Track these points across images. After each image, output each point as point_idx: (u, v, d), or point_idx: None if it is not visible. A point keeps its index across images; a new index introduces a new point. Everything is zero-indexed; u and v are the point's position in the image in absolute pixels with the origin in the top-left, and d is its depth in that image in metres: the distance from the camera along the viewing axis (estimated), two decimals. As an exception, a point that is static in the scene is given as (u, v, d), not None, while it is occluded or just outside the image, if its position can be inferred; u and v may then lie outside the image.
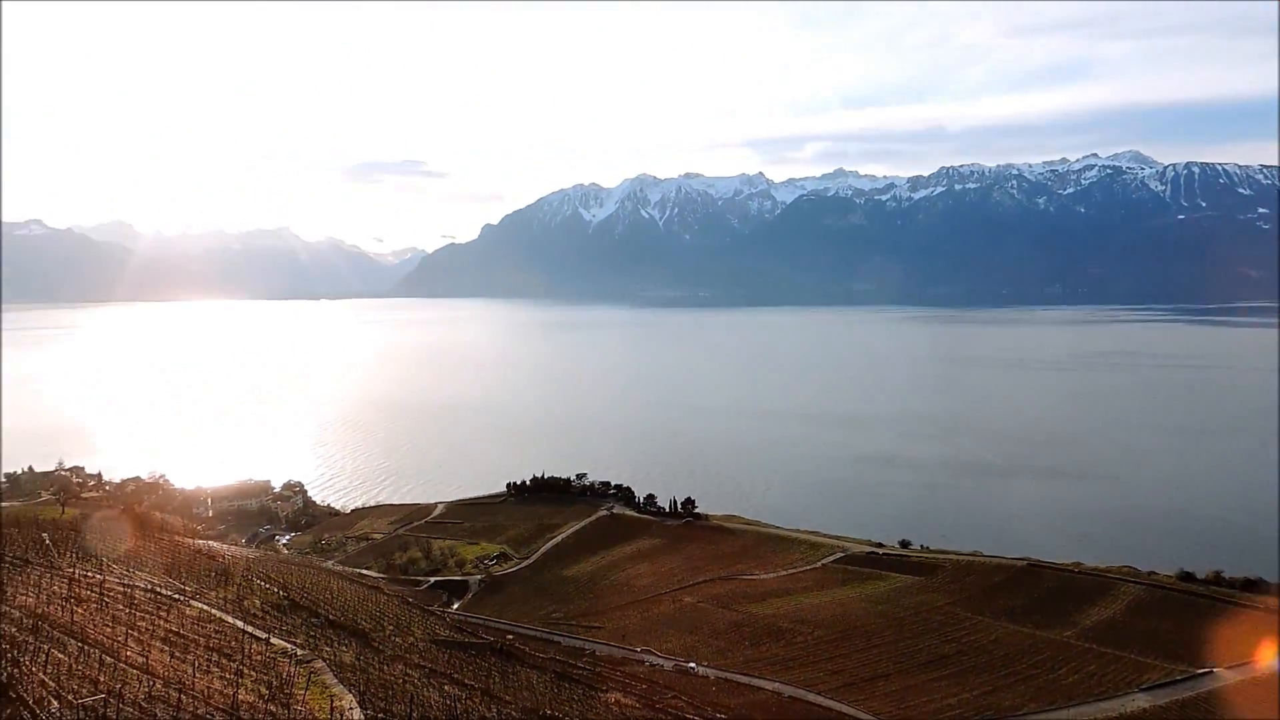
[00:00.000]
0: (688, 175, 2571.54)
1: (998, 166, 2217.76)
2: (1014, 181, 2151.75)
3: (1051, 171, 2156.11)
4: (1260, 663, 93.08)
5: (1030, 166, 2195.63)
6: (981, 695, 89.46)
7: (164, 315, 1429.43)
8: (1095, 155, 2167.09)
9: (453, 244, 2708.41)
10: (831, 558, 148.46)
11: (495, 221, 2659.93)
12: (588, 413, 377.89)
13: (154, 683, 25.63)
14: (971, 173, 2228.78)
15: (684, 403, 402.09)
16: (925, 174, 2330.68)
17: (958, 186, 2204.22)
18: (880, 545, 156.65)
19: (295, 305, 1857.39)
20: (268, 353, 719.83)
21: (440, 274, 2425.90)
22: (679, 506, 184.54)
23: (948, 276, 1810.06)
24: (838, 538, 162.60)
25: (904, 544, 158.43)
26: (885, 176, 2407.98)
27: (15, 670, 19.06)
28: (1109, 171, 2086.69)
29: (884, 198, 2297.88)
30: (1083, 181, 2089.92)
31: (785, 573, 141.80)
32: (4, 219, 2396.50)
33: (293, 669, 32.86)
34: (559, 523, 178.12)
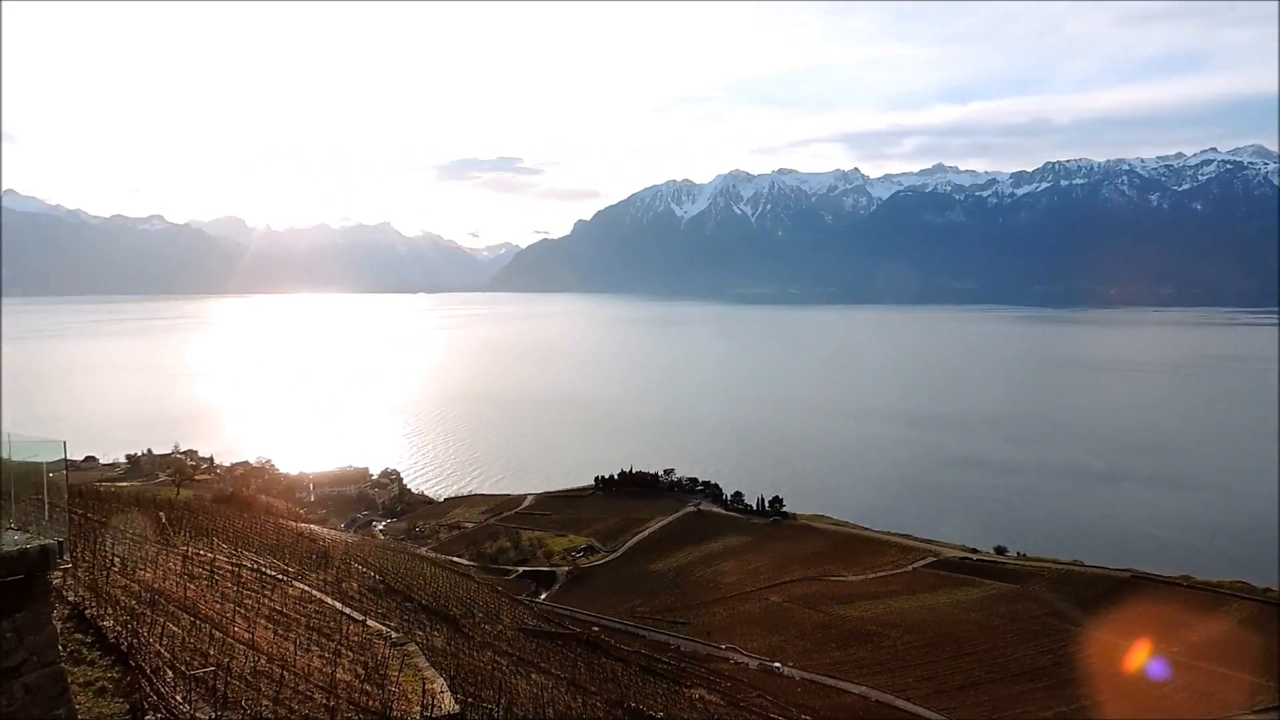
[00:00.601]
0: (781, 171, 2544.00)
1: (1107, 161, 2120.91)
2: (1124, 177, 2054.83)
3: (1166, 166, 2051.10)
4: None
5: (1143, 161, 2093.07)
6: (1079, 710, 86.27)
7: (273, 307, 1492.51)
8: (1214, 149, 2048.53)
9: (546, 239, 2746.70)
10: (922, 562, 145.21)
11: (588, 218, 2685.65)
12: (676, 408, 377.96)
13: (259, 658, 26.83)
14: (1079, 168, 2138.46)
15: (774, 400, 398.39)
16: (1029, 169, 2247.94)
17: (1064, 182, 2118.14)
18: (974, 551, 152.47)
19: (394, 298, 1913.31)
20: (368, 344, 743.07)
21: (533, 269, 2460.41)
22: (766, 505, 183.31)
23: (1051, 275, 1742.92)
24: (929, 542, 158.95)
25: (999, 550, 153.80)
26: (986, 172, 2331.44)
27: (135, 640, 20.20)
28: (1229, 166, 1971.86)
29: (985, 194, 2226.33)
30: (1200, 177, 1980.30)
31: (874, 575, 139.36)
32: (129, 214, 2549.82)
33: (387, 651, 33.90)
34: (646, 517, 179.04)
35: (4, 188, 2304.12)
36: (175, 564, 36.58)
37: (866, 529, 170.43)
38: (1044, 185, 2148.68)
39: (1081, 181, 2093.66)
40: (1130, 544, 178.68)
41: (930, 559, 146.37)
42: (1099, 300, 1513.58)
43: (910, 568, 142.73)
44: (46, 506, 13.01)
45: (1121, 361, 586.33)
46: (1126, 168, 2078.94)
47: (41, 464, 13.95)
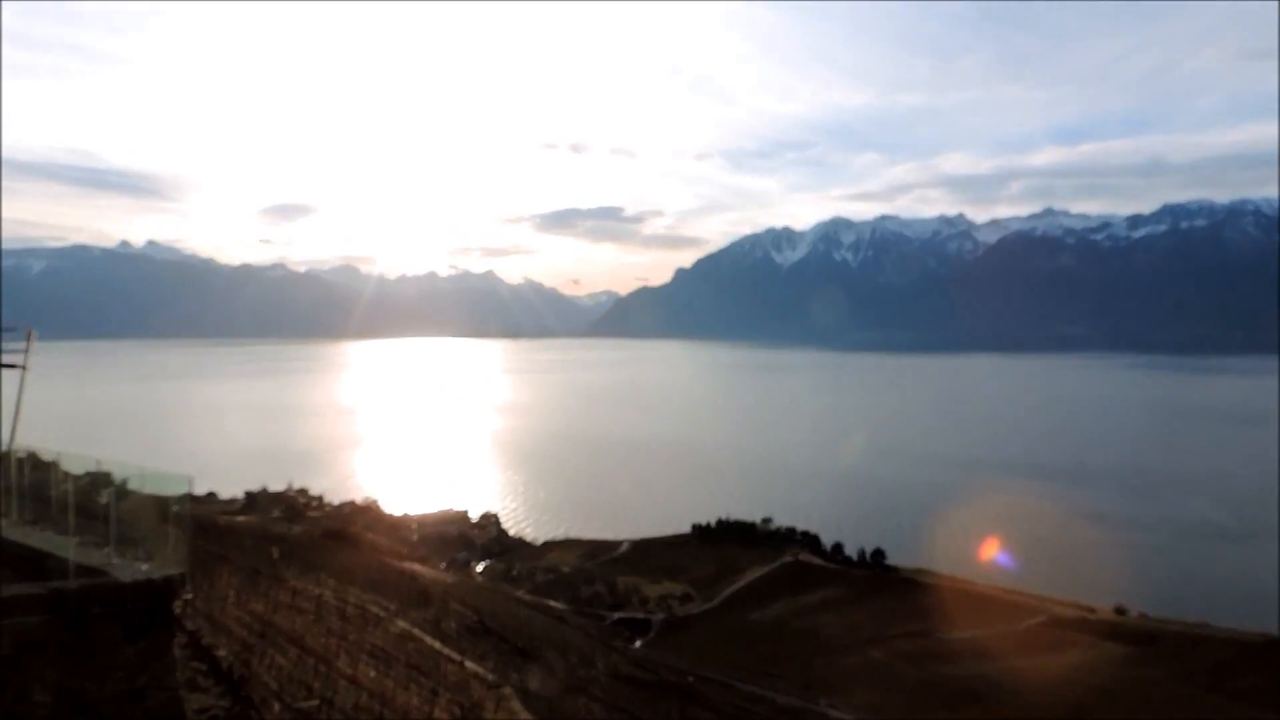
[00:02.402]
0: (883, 218, 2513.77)
1: (1231, 201, 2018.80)
2: (1250, 217, 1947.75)
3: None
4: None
5: (1270, 201, 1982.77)
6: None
7: (386, 351, 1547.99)
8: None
9: (645, 286, 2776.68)
10: (1035, 620, 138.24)
11: (688, 265, 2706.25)
12: (776, 455, 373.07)
13: (361, 694, 27.49)
14: (1199, 209, 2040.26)
15: (876, 448, 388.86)
16: (1145, 211, 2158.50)
17: (1184, 224, 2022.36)
18: (1091, 610, 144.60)
19: (497, 343, 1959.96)
20: (472, 388, 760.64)
21: (633, 315, 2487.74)
22: (867, 556, 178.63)
23: (1171, 321, 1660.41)
24: (1042, 598, 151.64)
25: (1119, 610, 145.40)
26: (1099, 214, 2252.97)
27: (245, 671, 21.03)
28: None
29: (1098, 237, 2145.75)
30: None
31: (982, 633, 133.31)
32: (255, 262, 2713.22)
33: (483, 692, 34.23)
34: (743, 566, 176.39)
35: (147, 238, 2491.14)
36: (285, 597, 37.95)
37: (974, 583, 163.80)
38: (1162, 227, 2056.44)
39: (1203, 223, 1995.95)
40: (1265, 606, 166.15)
41: (1043, 617, 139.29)
42: (1223, 347, 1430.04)
43: (1021, 626, 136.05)
44: (172, 538, 13.83)
45: (1251, 412, 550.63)
46: (1252, 207, 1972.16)
47: (169, 497, 14.88)
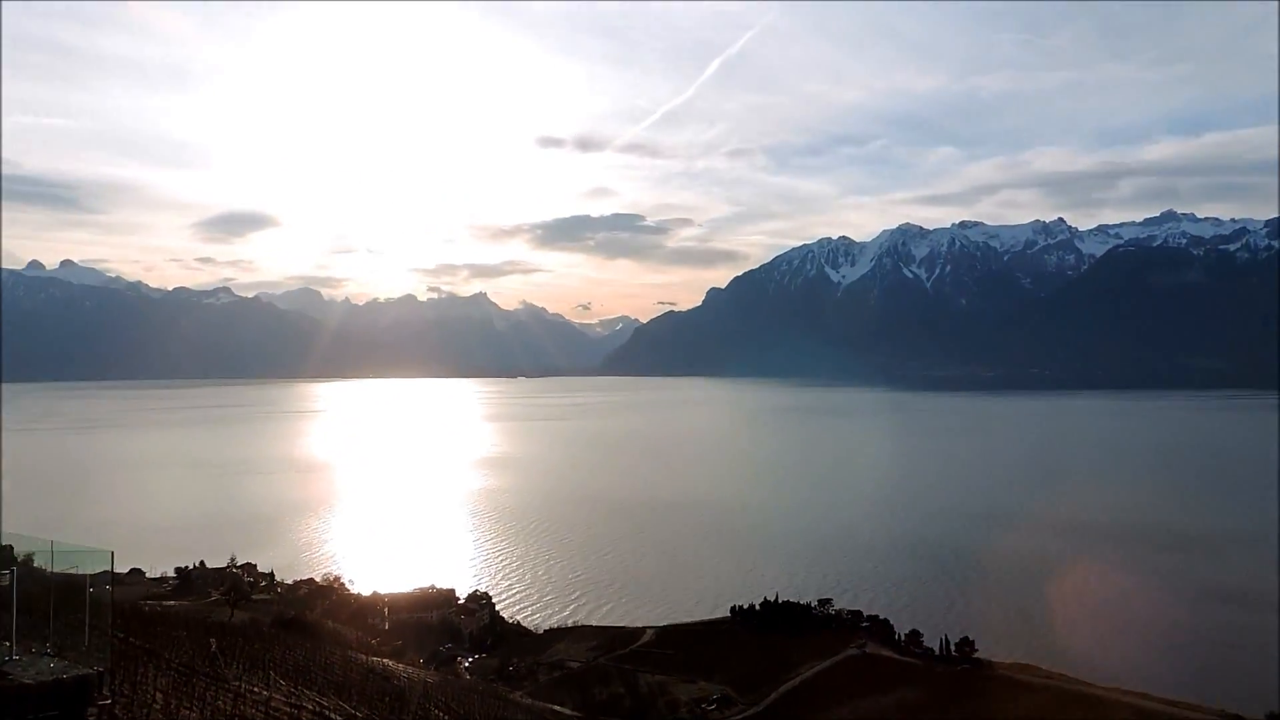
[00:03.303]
0: (962, 225, 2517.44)
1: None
2: None
3: None
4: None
5: None
6: None
7: (352, 393, 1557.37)
8: None
9: (672, 311, 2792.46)
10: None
11: (723, 285, 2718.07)
12: (836, 523, 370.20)
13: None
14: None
15: (962, 513, 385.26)
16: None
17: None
18: (1238, 717, 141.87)
19: (490, 383, 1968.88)
20: (460, 438, 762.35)
21: (656, 348, 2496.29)
22: (952, 648, 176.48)
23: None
24: (1175, 703, 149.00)
25: (1274, 717, 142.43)
26: (1233, 219, 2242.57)
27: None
28: None
29: (1232, 246, 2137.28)
30: None
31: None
32: (193, 285, 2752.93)
33: (473, 821, 33.68)
34: (796, 660, 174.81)
35: (62, 258, 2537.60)
36: (225, 702, 37.67)
37: (1089, 684, 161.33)
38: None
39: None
40: None
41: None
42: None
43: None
44: (87, 629, 13.59)
45: None
46: None
47: (85, 577, 14.66)
